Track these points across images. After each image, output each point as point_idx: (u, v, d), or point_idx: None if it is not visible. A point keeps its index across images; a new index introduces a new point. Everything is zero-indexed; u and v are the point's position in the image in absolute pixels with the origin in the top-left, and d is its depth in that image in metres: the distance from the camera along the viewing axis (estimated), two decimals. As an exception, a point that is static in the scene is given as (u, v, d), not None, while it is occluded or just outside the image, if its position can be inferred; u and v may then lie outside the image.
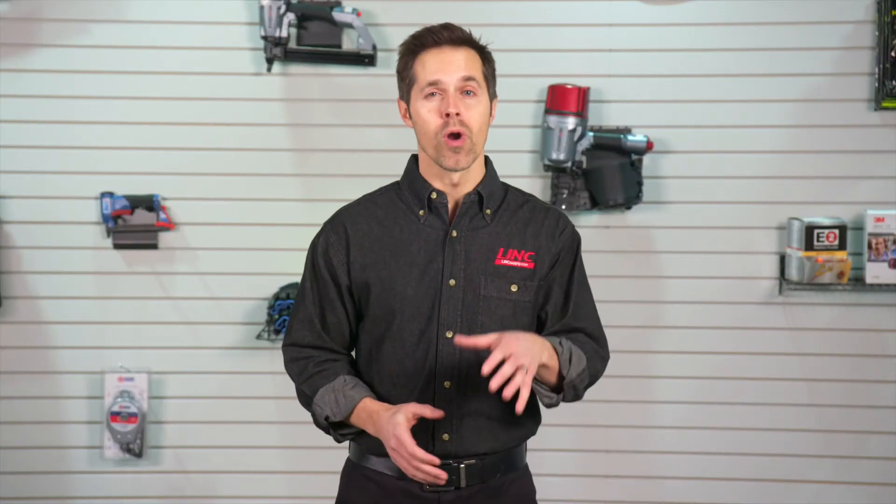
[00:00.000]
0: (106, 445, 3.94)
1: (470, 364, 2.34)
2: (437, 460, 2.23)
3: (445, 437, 2.34)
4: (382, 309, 2.36)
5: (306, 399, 2.41)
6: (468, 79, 2.31)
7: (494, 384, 2.12)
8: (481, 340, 2.18)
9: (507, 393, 2.13)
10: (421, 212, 2.39)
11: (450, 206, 2.39)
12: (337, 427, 2.37)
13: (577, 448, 3.99)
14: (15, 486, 3.97)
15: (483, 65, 2.35)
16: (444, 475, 2.24)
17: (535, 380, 2.31)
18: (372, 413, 2.31)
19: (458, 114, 2.29)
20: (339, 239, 2.40)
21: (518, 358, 2.14)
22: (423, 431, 2.33)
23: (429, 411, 2.25)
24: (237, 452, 3.99)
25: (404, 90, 2.38)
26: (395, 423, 2.24)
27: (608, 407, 3.92)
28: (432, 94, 2.32)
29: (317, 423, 2.39)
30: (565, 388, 2.33)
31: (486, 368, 2.13)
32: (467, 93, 2.31)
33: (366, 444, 2.39)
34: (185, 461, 3.99)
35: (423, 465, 2.22)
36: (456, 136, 2.30)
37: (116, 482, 3.98)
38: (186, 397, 3.98)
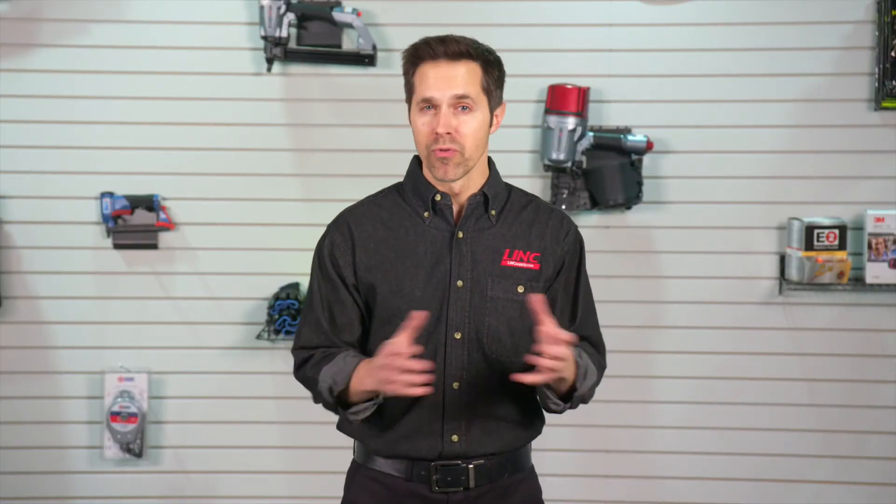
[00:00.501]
0: (106, 445, 3.94)
1: (478, 365, 2.35)
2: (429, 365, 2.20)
3: (455, 437, 2.35)
4: (390, 311, 2.36)
5: (313, 385, 2.35)
6: (462, 97, 2.31)
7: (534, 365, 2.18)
8: (563, 333, 2.20)
9: (532, 378, 2.19)
10: (426, 213, 2.39)
11: (454, 207, 2.39)
12: (346, 406, 2.31)
13: (577, 448, 3.99)
14: (15, 486, 3.97)
15: (483, 77, 2.34)
16: (430, 389, 2.20)
17: (548, 387, 2.32)
18: (370, 361, 2.26)
19: (447, 132, 2.30)
20: (344, 240, 2.40)
21: (564, 366, 2.20)
22: (433, 432, 2.35)
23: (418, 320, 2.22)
24: (237, 452, 3.99)
25: (407, 95, 2.39)
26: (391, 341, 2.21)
27: (608, 407, 3.91)
28: (427, 108, 2.32)
29: (325, 402, 2.33)
30: (574, 400, 2.35)
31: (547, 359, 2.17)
32: (462, 108, 2.32)
33: (372, 445, 2.39)
34: (185, 461, 3.99)
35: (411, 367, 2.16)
36: (444, 149, 2.31)
37: (116, 482, 3.98)
38: (186, 397, 3.98)
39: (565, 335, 2.18)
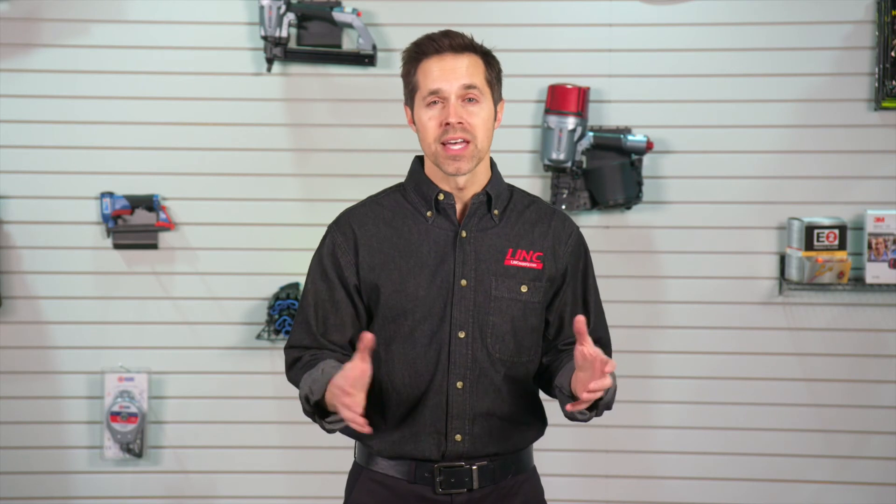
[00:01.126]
0: (106, 445, 3.94)
1: (482, 364, 2.34)
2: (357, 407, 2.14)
3: (458, 437, 2.34)
4: (394, 310, 2.35)
5: (298, 389, 2.34)
6: (469, 87, 2.31)
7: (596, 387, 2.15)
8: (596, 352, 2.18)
9: (588, 396, 2.16)
10: (428, 213, 2.38)
11: (457, 206, 2.39)
12: (324, 415, 2.28)
13: (577, 448, 3.99)
14: (15, 486, 3.97)
15: (486, 70, 2.35)
16: (366, 429, 2.16)
17: (573, 397, 2.28)
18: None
19: (459, 122, 2.29)
20: (346, 240, 2.39)
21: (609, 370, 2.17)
22: (437, 432, 2.34)
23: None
24: (237, 452, 3.99)
25: (408, 96, 2.38)
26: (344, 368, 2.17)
27: (608, 407, 3.91)
28: (434, 103, 2.32)
29: (304, 409, 2.30)
30: (599, 408, 2.30)
31: (602, 384, 2.14)
32: (470, 100, 2.31)
33: (375, 447, 2.38)
34: (185, 461, 3.99)
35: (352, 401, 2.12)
36: (456, 143, 2.30)
37: (116, 482, 3.98)
38: (186, 397, 3.98)
39: (610, 365, 2.14)
